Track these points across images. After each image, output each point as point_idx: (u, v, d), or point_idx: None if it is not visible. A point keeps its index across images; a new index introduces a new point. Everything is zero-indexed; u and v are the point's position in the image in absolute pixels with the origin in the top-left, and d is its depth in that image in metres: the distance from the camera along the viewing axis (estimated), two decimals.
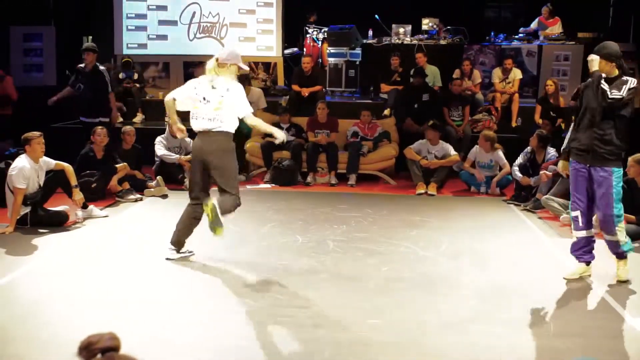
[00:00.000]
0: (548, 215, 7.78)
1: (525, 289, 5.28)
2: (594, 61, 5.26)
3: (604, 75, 5.24)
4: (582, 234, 5.51)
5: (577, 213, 5.46)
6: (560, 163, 5.84)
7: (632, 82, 5.19)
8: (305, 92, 10.99)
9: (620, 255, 5.50)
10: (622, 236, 5.41)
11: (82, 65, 9.35)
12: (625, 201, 5.56)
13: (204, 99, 5.56)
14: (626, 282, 5.44)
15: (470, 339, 4.27)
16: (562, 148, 5.76)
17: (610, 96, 5.13)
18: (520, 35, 12.71)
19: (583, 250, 5.56)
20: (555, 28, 12.74)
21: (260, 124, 5.89)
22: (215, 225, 5.27)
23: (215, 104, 5.52)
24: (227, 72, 5.64)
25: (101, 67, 9.28)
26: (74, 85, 9.43)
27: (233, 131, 5.62)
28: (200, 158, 5.60)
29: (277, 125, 10.04)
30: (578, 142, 5.42)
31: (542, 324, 4.58)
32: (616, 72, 5.25)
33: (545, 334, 4.39)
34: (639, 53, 12.22)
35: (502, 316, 4.68)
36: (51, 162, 7.01)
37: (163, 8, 12.88)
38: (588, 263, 5.58)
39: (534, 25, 12.98)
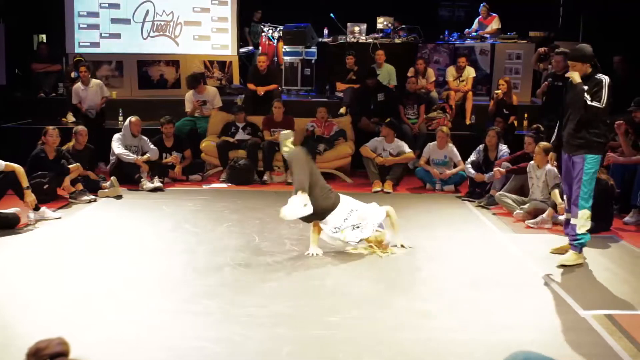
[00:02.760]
0: (502, 211, 7.90)
1: (479, 284, 5.35)
2: (575, 75, 5.64)
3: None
4: (567, 216, 6.06)
5: (566, 198, 6.12)
6: (551, 154, 6.39)
7: (606, 82, 5.58)
8: (261, 90, 10.96)
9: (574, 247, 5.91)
10: (580, 225, 5.77)
11: None
12: None
13: None
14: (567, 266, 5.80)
15: (426, 334, 4.31)
16: (551, 141, 6.37)
17: (589, 104, 5.54)
18: (473, 34, 12.90)
19: (572, 237, 5.98)
20: (493, 24, 12.99)
21: None
22: None
23: None
24: None
25: None
26: None
27: None
28: None
29: (232, 124, 10.06)
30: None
31: (496, 318, 4.64)
32: (590, 70, 5.66)
33: (499, 328, 4.46)
34: None
35: (457, 312, 4.74)
36: (1, 163, 6.85)
37: (115, 6, 12.66)
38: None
39: (475, 26, 13.24)
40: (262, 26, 14.05)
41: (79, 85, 10.58)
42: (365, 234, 6.11)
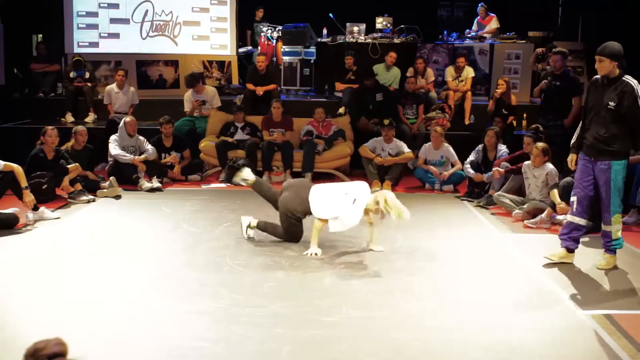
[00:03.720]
0: (500, 211, 7.90)
1: (478, 283, 5.35)
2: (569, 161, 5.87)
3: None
4: (571, 219, 5.90)
5: (574, 199, 5.86)
6: (572, 156, 5.98)
7: (638, 89, 5.40)
8: (260, 90, 10.95)
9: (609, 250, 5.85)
10: (615, 230, 5.74)
11: None
12: None
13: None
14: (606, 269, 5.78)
15: (425, 334, 4.31)
16: (571, 143, 6.00)
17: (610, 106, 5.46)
18: (472, 34, 12.91)
19: (567, 236, 5.90)
20: (492, 24, 13.01)
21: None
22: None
23: None
24: None
25: None
26: None
27: None
28: None
29: (231, 124, 10.06)
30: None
31: (495, 318, 4.64)
32: (617, 72, 5.49)
33: (498, 328, 4.46)
34: (587, 52, 12.51)
35: (456, 312, 4.74)
36: (0, 163, 6.85)
37: (114, 6, 12.68)
38: (568, 250, 5.92)
39: (474, 27, 13.26)
40: (261, 26, 14.05)
41: (112, 87, 10.86)
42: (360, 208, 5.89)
